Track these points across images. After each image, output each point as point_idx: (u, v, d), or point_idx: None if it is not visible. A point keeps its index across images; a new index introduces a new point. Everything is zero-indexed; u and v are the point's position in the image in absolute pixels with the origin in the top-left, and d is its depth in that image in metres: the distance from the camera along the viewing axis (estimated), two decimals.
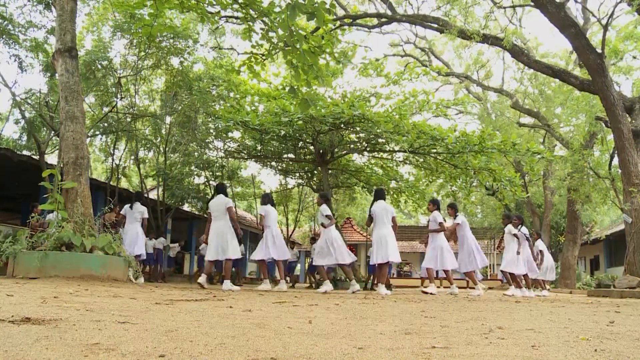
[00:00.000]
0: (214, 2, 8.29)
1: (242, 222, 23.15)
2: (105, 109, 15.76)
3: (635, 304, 6.92)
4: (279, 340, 2.27)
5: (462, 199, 16.58)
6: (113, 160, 16.98)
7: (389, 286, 10.26)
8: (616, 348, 2.28)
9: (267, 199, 9.66)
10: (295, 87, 7.45)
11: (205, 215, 11.76)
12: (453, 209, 10.36)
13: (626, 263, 11.27)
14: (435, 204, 10.06)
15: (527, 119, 22.82)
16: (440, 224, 9.77)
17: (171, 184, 16.58)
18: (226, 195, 8.94)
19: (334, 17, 13.63)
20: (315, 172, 16.95)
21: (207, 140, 16.52)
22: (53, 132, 13.56)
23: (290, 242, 18.04)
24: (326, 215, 8.97)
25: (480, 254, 10.18)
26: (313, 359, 1.83)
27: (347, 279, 9.40)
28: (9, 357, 1.63)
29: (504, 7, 17.10)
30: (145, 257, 10.94)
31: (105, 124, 15.82)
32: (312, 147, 15.10)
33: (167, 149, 16.93)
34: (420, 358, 1.92)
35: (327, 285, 8.71)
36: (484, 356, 1.98)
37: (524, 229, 10.72)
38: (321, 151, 14.69)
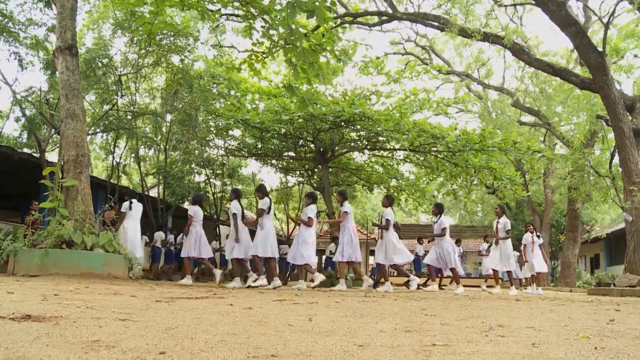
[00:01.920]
0: (215, 0, 8.29)
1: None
2: (106, 107, 15.76)
3: (636, 302, 6.92)
4: (280, 337, 2.27)
5: (463, 197, 16.58)
6: (113, 158, 16.98)
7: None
8: (616, 346, 2.28)
9: (235, 194, 9.69)
10: (294, 85, 7.45)
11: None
12: (438, 209, 10.35)
13: (626, 262, 11.27)
14: (502, 209, 10.45)
15: (527, 118, 22.79)
16: (444, 229, 9.92)
17: (171, 182, 16.58)
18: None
19: (335, 15, 13.62)
20: (316, 170, 16.95)
21: (207, 138, 16.53)
22: (53, 130, 13.56)
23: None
24: (344, 212, 9.14)
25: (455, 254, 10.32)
26: (313, 357, 1.83)
27: (357, 277, 9.47)
28: (9, 354, 1.63)
29: (505, 6, 17.08)
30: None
31: (106, 122, 15.81)
32: (312, 146, 15.11)
33: (167, 146, 16.93)
34: (421, 355, 1.92)
35: (343, 285, 8.77)
36: (484, 354, 1.98)
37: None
38: (321, 149, 14.69)
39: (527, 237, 11.76)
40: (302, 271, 9.17)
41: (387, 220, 9.17)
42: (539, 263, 11.68)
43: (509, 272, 10.65)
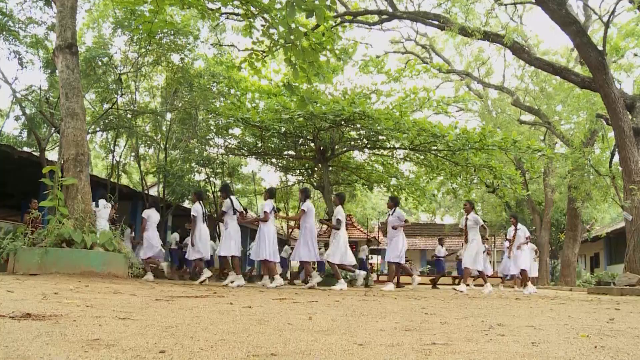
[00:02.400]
0: None
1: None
2: (106, 106, 15.74)
3: (635, 301, 6.92)
4: (280, 336, 2.27)
5: (463, 196, 16.58)
6: (113, 157, 16.98)
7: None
8: (616, 345, 2.28)
9: (197, 196, 9.93)
10: (293, 84, 7.46)
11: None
12: (393, 202, 10.37)
13: (626, 261, 11.28)
14: (471, 205, 10.18)
15: (527, 117, 22.78)
16: (482, 226, 9.95)
17: (171, 181, 16.56)
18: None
19: (335, 14, 13.61)
20: (316, 169, 16.94)
21: (207, 137, 16.51)
22: (53, 128, 13.56)
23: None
24: (338, 219, 9.16)
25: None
26: (313, 355, 1.84)
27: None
28: (9, 352, 1.63)
29: (505, 4, 17.07)
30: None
31: (106, 121, 15.80)
32: (312, 144, 15.10)
33: (167, 145, 16.92)
34: (421, 354, 1.92)
35: (342, 284, 8.77)
36: (484, 352, 1.99)
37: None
38: (321, 148, 14.68)
39: (510, 231, 11.79)
40: (264, 268, 9.36)
41: (338, 220, 9.14)
42: (522, 260, 11.54)
43: (480, 271, 10.15)
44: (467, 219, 9.90)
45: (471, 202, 10.48)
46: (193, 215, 9.46)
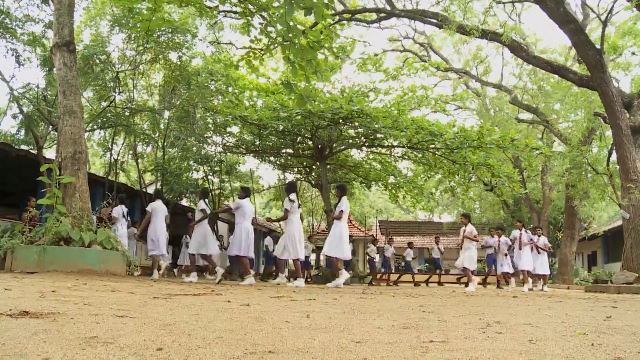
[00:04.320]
0: None
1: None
2: (104, 104, 15.73)
3: (632, 299, 6.94)
4: (277, 334, 2.27)
5: (461, 194, 16.60)
6: (111, 155, 16.96)
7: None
8: (613, 342, 2.28)
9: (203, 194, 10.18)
10: (292, 82, 7.45)
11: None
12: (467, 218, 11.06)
13: (623, 259, 11.30)
14: (467, 218, 11.04)
15: (525, 115, 22.79)
16: (475, 235, 10.85)
17: (169, 179, 16.56)
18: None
19: (333, 12, 13.60)
20: (314, 167, 16.94)
21: (205, 135, 16.50)
22: (51, 126, 13.54)
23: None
24: (341, 210, 9.01)
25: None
26: (311, 353, 1.84)
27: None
28: (7, 350, 1.63)
29: (503, 3, 17.06)
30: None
31: (104, 119, 15.79)
32: (310, 142, 15.10)
33: (165, 143, 16.91)
34: (418, 352, 1.92)
35: (343, 277, 8.79)
36: (481, 350, 1.99)
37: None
38: (320, 146, 14.68)
39: (514, 234, 12.58)
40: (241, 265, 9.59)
41: (341, 211, 9.07)
42: (525, 260, 12.20)
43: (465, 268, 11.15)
44: (464, 230, 10.95)
45: (467, 215, 11.32)
46: (202, 210, 9.38)
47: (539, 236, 12.92)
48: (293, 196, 9.20)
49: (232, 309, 3.42)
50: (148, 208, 10.15)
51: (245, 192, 9.45)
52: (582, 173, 17.67)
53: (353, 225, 29.51)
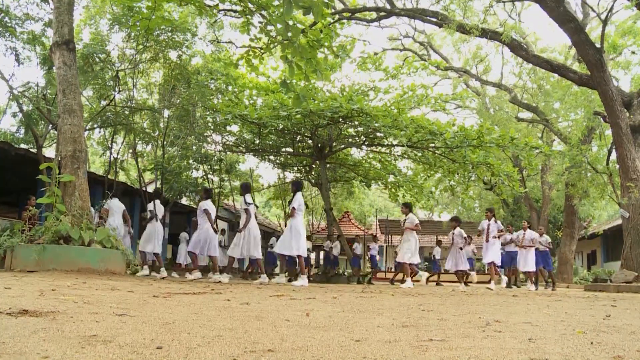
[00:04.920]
0: None
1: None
2: (103, 103, 15.70)
3: (632, 298, 6.94)
4: (277, 332, 2.27)
5: (460, 193, 16.60)
6: (111, 153, 16.94)
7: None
8: (612, 341, 2.29)
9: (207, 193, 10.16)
10: (289, 81, 7.44)
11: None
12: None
13: (623, 258, 11.31)
14: (407, 207, 10.74)
15: (525, 114, 22.78)
16: (417, 225, 10.45)
17: (169, 178, 16.55)
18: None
19: (332, 10, 13.59)
20: (314, 166, 16.94)
21: (205, 134, 16.49)
22: (51, 125, 13.51)
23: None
24: (293, 207, 9.10)
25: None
26: (310, 351, 1.84)
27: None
28: (6, 348, 1.63)
29: (503, 2, 17.04)
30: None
31: (103, 117, 15.76)
32: (310, 141, 15.10)
33: (165, 142, 16.89)
34: (418, 350, 1.92)
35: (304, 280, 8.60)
36: (481, 349, 1.99)
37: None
38: (319, 145, 14.68)
39: (483, 224, 11.54)
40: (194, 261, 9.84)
41: (293, 208, 9.05)
42: (492, 254, 11.07)
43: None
44: (453, 233, 11.35)
45: (407, 204, 10.97)
46: (205, 209, 9.32)
47: (525, 231, 12.71)
48: (299, 195, 9.18)
49: (232, 307, 3.42)
50: (150, 207, 10.49)
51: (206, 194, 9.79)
52: (582, 172, 17.67)
53: (353, 224, 29.52)
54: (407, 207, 10.60)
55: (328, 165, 16.16)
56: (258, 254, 9.06)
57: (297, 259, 9.09)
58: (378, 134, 14.03)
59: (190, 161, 17.61)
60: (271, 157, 17.94)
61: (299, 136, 15.23)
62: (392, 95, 15.42)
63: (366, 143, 15.15)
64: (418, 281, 11.94)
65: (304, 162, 17.49)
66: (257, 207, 9.75)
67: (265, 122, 12.59)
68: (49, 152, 16.34)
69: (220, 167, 18.30)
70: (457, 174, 14.61)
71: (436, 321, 3.02)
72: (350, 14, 15.28)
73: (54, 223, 6.86)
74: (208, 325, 2.38)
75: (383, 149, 16.08)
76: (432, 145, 13.35)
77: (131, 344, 1.81)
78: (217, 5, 9.01)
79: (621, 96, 12.29)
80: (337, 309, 3.67)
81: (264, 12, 7.76)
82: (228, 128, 15.72)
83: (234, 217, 21.21)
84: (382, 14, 15.86)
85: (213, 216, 9.55)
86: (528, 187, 22.65)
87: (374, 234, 24.51)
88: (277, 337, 2.12)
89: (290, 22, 6.13)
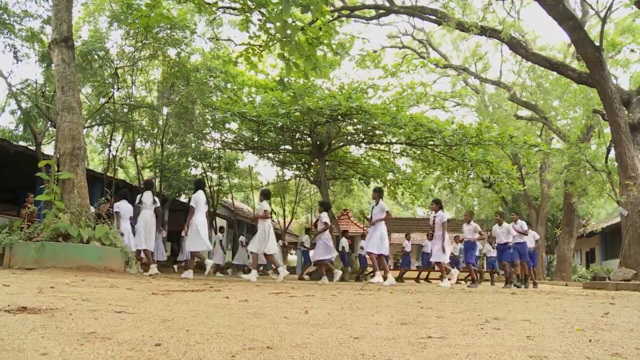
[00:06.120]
0: None
1: (240, 213, 23.16)
2: (102, 100, 15.68)
3: (630, 295, 6.95)
4: (275, 329, 2.27)
5: (459, 191, 16.61)
6: (110, 151, 16.93)
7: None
8: (610, 338, 2.29)
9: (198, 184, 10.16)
10: (286, 79, 7.45)
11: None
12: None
13: (621, 256, 11.32)
14: (324, 206, 10.83)
15: (524, 112, 22.78)
16: (326, 223, 10.45)
17: (168, 175, 16.55)
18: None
19: (332, 8, 13.57)
20: (313, 163, 16.95)
21: (204, 132, 16.49)
22: (49, 122, 13.50)
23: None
24: (265, 210, 9.32)
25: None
26: (309, 349, 1.84)
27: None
28: (5, 345, 1.63)
29: None
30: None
31: (102, 115, 15.74)
32: (309, 139, 15.10)
33: (164, 140, 16.88)
34: (416, 348, 1.93)
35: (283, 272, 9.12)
36: (479, 346, 1.99)
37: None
38: (318, 143, 14.68)
39: (495, 229, 11.56)
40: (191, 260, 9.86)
41: (265, 211, 9.32)
42: (435, 252, 10.69)
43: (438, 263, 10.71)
44: (435, 216, 10.52)
45: (324, 202, 11.37)
46: (191, 206, 9.33)
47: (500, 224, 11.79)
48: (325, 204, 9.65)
49: (231, 305, 3.42)
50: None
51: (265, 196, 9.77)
52: (581, 170, 17.68)
53: (352, 221, 29.50)
54: (438, 204, 10.29)
55: (327, 163, 16.17)
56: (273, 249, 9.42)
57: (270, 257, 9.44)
58: (377, 132, 14.03)
59: (189, 159, 17.61)
60: (270, 155, 17.94)
61: (298, 134, 15.23)
62: (391, 93, 15.44)
63: (365, 141, 15.16)
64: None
65: (303, 159, 17.49)
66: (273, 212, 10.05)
67: (264, 119, 12.59)
68: (48, 149, 16.32)
69: (219, 164, 18.30)
70: (456, 171, 14.62)
71: (435, 318, 3.02)
72: (349, 12, 15.26)
73: (53, 220, 6.86)
74: (207, 323, 2.38)
75: (382, 147, 16.09)
76: (431, 143, 13.35)
77: (130, 341, 1.81)
78: (216, 2, 9.00)
79: (620, 94, 12.29)
80: (336, 306, 3.67)
81: (263, 10, 7.75)
82: (227, 125, 15.72)
83: (233, 215, 21.21)
84: (382, 11, 15.85)
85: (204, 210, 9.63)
86: (527, 185, 22.67)
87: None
88: (275, 334, 2.12)
89: (290, 20, 6.13)
